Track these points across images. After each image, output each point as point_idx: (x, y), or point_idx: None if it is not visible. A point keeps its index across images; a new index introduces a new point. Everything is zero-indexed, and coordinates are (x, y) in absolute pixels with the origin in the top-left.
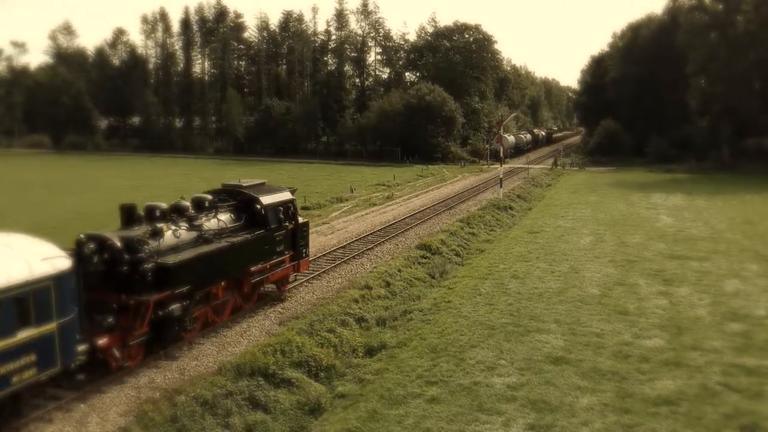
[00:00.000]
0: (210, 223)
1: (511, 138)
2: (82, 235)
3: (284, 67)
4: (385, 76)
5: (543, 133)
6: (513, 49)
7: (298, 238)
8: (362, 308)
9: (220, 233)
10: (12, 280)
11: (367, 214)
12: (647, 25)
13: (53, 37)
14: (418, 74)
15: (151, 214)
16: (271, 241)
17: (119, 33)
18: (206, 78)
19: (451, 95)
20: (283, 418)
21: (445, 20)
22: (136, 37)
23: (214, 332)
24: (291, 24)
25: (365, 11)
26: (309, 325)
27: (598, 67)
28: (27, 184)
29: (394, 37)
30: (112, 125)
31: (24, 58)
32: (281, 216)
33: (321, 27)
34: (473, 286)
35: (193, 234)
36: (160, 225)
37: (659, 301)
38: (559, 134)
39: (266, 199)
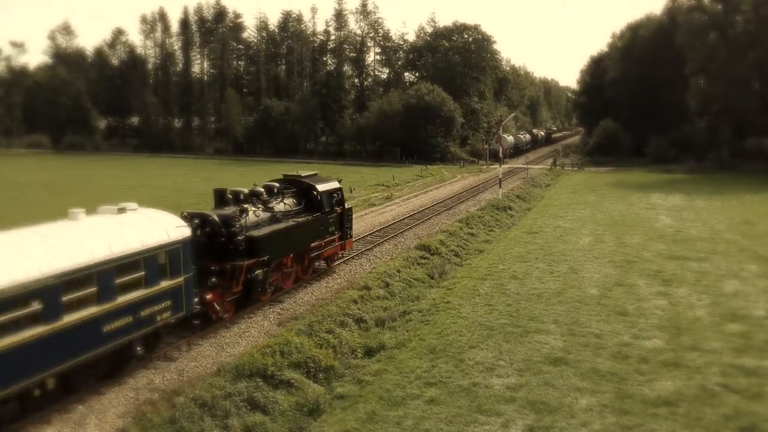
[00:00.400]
0: (279, 206)
1: (510, 138)
2: (186, 212)
3: (283, 67)
4: (384, 76)
5: (542, 134)
6: (512, 49)
7: (344, 221)
8: (361, 309)
9: (286, 214)
10: (156, 242)
11: (366, 214)
12: (646, 26)
13: (52, 37)
14: (417, 74)
15: (236, 197)
16: (325, 223)
17: (118, 33)
18: (205, 78)
19: (450, 95)
20: (282, 419)
21: (445, 20)
22: (135, 37)
23: (212, 333)
24: (290, 24)
25: (364, 11)
26: (308, 325)
27: (597, 68)
28: (26, 185)
29: (394, 38)
30: (111, 125)
31: (23, 58)
32: (332, 201)
33: (320, 27)
34: (472, 286)
35: (268, 214)
36: (245, 206)
37: (658, 302)
38: (558, 134)
39: (321, 187)
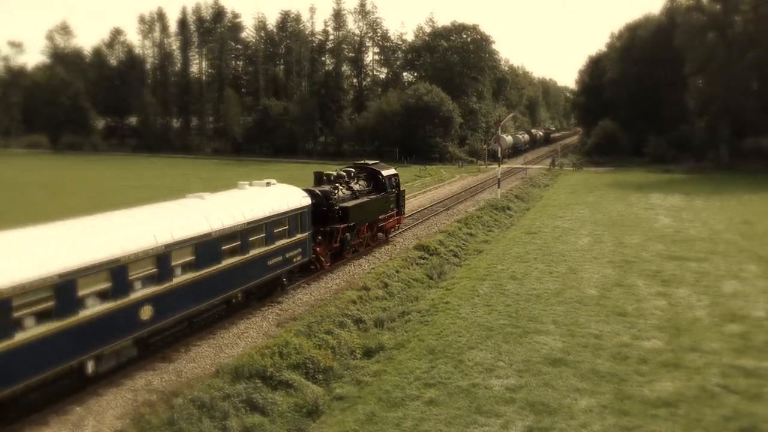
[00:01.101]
0: (356, 186)
1: (509, 138)
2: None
3: (282, 67)
4: (382, 76)
5: (541, 134)
6: (511, 49)
7: (400, 200)
8: (360, 309)
9: (361, 193)
10: (294, 206)
11: None
12: (645, 26)
13: (50, 37)
14: (415, 74)
15: (329, 179)
16: (387, 200)
17: (116, 33)
18: (204, 78)
19: (448, 95)
20: (281, 420)
21: (443, 20)
22: (133, 37)
23: (211, 334)
24: (289, 24)
25: (363, 11)
26: (307, 326)
27: (596, 68)
28: (25, 185)
29: (392, 38)
30: (109, 125)
31: (21, 58)
32: (392, 184)
33: (319, 27)
34: (471, 287)
35: (349, 192)
36: (336, 185)
37: (658, 302)
38: (557, 134)
39: (384, 173)
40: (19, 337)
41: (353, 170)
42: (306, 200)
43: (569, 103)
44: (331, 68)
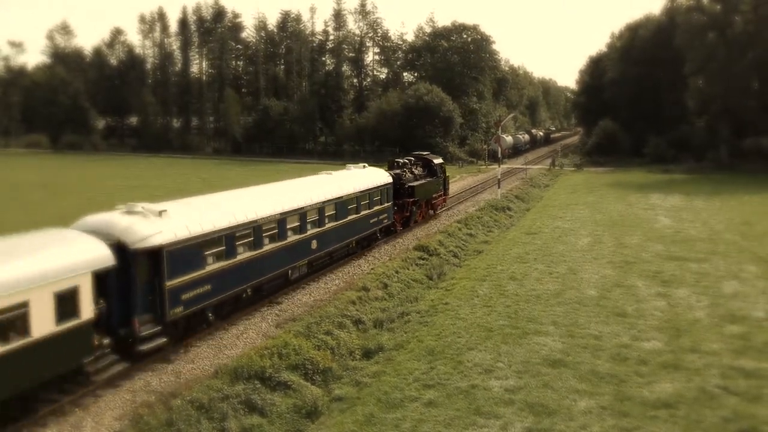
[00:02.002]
0: (416, 171)
1: (509, 138)
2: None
3: (282, 67)
4: (383, 76)
5: (541, 134)
6: (511, 49)
7: (446, 184)
8: (359, 310)
9: (420, 176)
10: (383, 182)
11: None
12: (645, 26)
13: (51, 37)
14: (416, 74)
15: (398, 165)
16: (437, 183)
17: (117, 33)
18: (204, 78)
19: (449, 95)
20: (280, 421)
21: (443, 20)
22: (133, 36)
23: (210, 335)
24: (289, 24)
25: (363, 11)
26: (306, 327)
27: (596, 68)
28: (24, 185)
29: (392, 38)
30: (109, 125)
31: (21, 58)
32: (441, 170)
33: (319, 27)
34: (471, 287)
35: (412, 175)
36: (403, 169)
37: (657, 303)
38: (557, 134)
39: (435, 161)
40: (266, 248)
41: (413, 159)
42: (389, 179)
43: (569, 103)
44: (331, 68)
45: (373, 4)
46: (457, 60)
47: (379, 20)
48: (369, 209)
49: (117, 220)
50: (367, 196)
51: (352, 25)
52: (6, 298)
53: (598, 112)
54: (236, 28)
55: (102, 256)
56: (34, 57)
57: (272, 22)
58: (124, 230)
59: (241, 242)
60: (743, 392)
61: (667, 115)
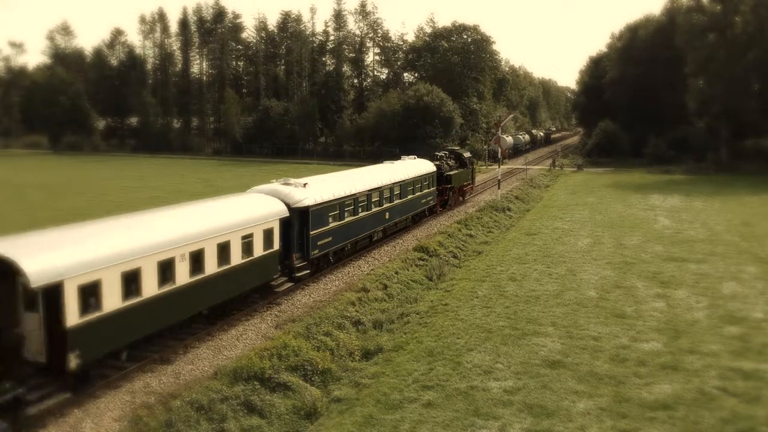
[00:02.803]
0: (450, 163)
1: (509, 139)
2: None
3: (282, 67)
4: (383, 76)
5: (541, 134)
6: (511, 49)
7: (473, 174)
8: (359, 311)
9: (453, 167)
10: (430, 171)
11: None
12: (645, 26)
13: (51, 38)
14: (416, 75)
15: (438, 157)
16: (467, 173)
17: (117, 33)
18: (204, 78)
19: (449, 96)
20: (279, 422)
21: (444, 21)
22: (134, 37)
23: (209, 336)
24: (289, 24)
25: (363, 12)
26: (305, 328)
27: (596, 68)
28: (24, 185)
29: (393, 38)
30: (109, 125)
31: (22, 59)
32: (470, 162)
33: (319, 27)
34: (470, 288)
35: (447, 166)
36: (442, 161)
37: (657, 304)
38: (557, 135)
39: (465, 154)
40: (360, 215)
41: (447, 152)
42: (434, 168)
43: (570, 103)
44: (331, 69)
45: (373, 4)
46: (457, 60)
47: (379, 20)
48: (420, 191)
49: (280, 188)
50: (420, 180)
51: (353, 25)
52: (246, 230)
53: (599, 113)
54: (236, 28)
55: (283, 209)
56: (34, 57)
57: (272, 22)
58: (287, 195)
59: (347, 209)
60: (742, 393)
61: (667, 115)
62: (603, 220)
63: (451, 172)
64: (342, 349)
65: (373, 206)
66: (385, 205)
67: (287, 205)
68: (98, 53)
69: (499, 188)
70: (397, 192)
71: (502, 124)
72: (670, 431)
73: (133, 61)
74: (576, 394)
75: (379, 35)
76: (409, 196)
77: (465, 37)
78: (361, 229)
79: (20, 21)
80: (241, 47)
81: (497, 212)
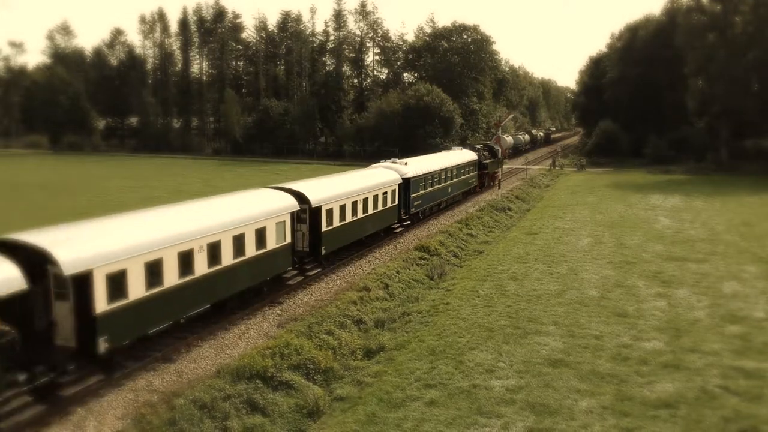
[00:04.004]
0: (485, 154)
1: (509, 139)
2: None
3: (282, 67)
4: (383, 76)
5: (541, 134)
6: (511, 49)
7: (501, 164)
8: (361, 310)
9: (487, 156)
10: (473, 159)
11: None
12: (645, 26)
13: (51, 37)
14: (416, 75)
15: (476, 149)
16: (497, 162)
17: (117, 33)
18: (204, 78)
19: (449, 96)
20: (282, 421)
21: (444, 21)
22: (134, 37)
23: (211, 335)
24: (289, 24)
25: (363, 12)
26: (307, 327)
27: (596, 68)
28: (24, 185)
29: (393, 38)
30: (109, 125)
31: (22, 58)
32: (498, 154)
33: (319, 27)
34: (472, 287)
35: (484, 156)
36: (479, 152)
37: (658, 303)
38: (557, 135)
39: (496, 147)
40: (435, 187)
41: (482, 145)
42: (476, 157)
43: (570, 103)
44: (331, 68)
45: (373, 4)
46: (457, 60)
47: (379, 20)
48: (468, 174)
49: (395, 166)
50: (468, 165)
51: (353, 25)
52: (379, 190)
53: (598, 113)
54: (236, 28)
55: (398, 178)
56: (34, 57)
57: (272, 22)
58: (398, 169)
59: (429, 182)
60: (744, 392)
61: (667, 115)
62: (604, 219)
63: (487, 161)
64: (344, 347)
65: (442, 182)
66: (448, 182)
67: (400, 175)
68: (98, 53)
69: (499, 188)
70: (455, 173)
71: (502, 124)
72: (673, 430)
73: (133, 61)
74: (578, 393)
75: (379, 35)
76: (462, 177)
77: (465, 37)
78: (435, 197)
79: (20, 21)
80: (241, 47)
81: (498, 212)
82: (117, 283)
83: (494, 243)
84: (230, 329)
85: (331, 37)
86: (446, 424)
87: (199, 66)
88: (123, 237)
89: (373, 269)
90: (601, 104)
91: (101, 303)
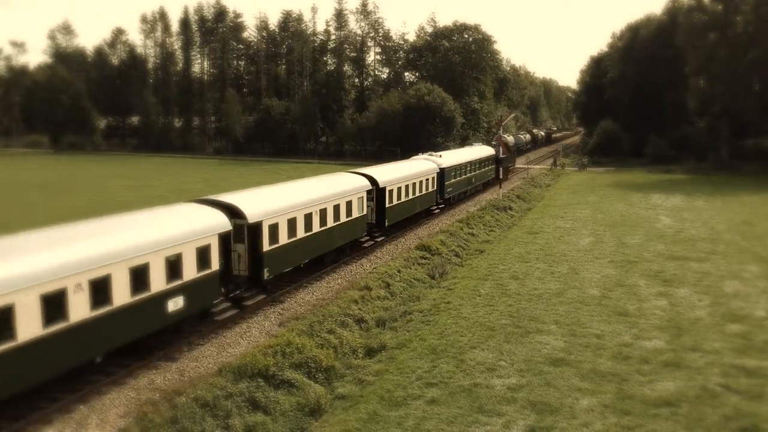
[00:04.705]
0: (501, 149)
1: (510, 138)
2: (494, 142)
3: (283, 67)
4: (384, 76)
5: (542, 134)
6: (512, 48)
7: (515, 158)
8: (362, 309)
9: (503, 152)
10: (489, 154)
11: None
12: (646, 26)
13: (52, 37)
14: (417, 74)
15: (493, 145)
16: (512, 157)
17: (118, 32)
18: (205, 78)
19: (450, 95)
20: (283, 419)
21: (445, 20)
22: (135, 36)
23: (213, 333)
24: (290, 24)
25: (365, 11)
26: (309, 326)
27: (597, 68)
28: (25, 185)
29: (394, 37)
30: (111, 125)
31: (23, 58)
32: (516, 149)
33: (320, 27)
34: (473, 287)
35: (497, 152)
36: (497, 148)
37: (659, 302)
38: (558, 134)
39: (509, 141)
40: (463, 177)
41: (497, 143)
42: (493, 152)
43: (571, 103)
44: (332, 68)
45: (374, 3)
46: (458, 60)
47: (380, 20)
48: (487, 167)
49: (433, 158)
50: (487, 159)
51: (354, 24)
52: (421, 176)
53: (599, 112)
54: (238, 27)
55: (436, 168)
56: (35, 57)
57: (274, 21)
58: (436, 160)
59: (459, 171)
60: (744, 391)
61: (668, 115)
62: (605, 219)
63: (503, 156)
64: (345, 346)
65: (468, 173)
66: (471, 174)
67: (438, 165)
68: (99, 52)
69: (500, 187)
70: (478, 166)
71: (503, 124)
72: (674, 428)
73: (134, 60)
74: (579, 392)
75: (380, 35)
76: (483, 169)
77: (466, 36)
78: (462, 186)
79: (22, 20)
80: (242, 46)
81: (499, 211)
82: (273, 232)
83: (495, 242)
84: (232, 328)
85: (333, 37)
86: (447, 423)
87: (200, 65)
88: (276, 202)
89: (374, 268)
90: (602, 104)
91: (266, 245)
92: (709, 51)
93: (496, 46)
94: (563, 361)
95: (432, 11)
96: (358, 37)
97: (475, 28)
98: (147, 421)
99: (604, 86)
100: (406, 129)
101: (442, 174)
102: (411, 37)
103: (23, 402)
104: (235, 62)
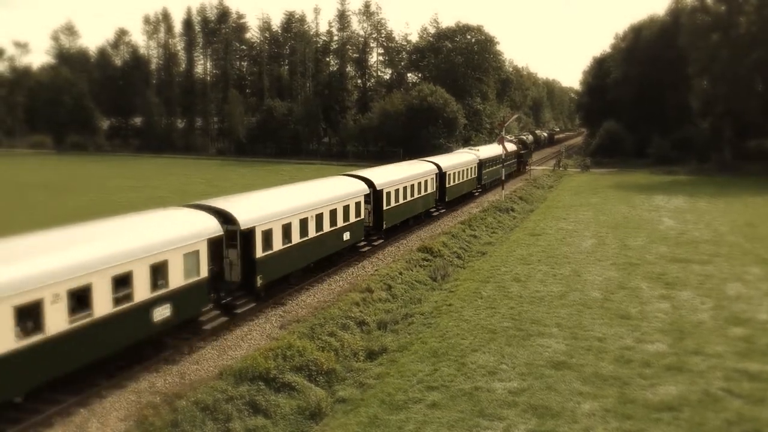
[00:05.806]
0: (520, 146)
1: (530, 137)
2: (515, 138)
3: (286, 67)
4: (387, 76)
5: (545, 134)
6: (515, 49)
7: (531, 154)
8: (363, 312)
9: (522, 148)
10: (515, 149)
11: None
12: (649, 27)
13: (55, 38)
14: (420, 75)
15: (514, 142)
16: (529, 153)
17: (121, 33)
18: (208, 78)
19: (453, 96)
20: (284, 423)
21: (447, 21)
22: (138, 37)
23: (214, 336)
24: (293, 25)
25: (367, 12)
26: (310, 328)
27: (600, 68)
28: (27, 185)
29: (396, 38)
30: (113, 125)
31: (26, 59)
32: (530, 147)
33: (323, 28)
34: (474, 289)
35: (518, 148)
36: (518, 145)
37: (661, 305)
38: (561, 135)
39: (527, 141)
40: (491, 168)
41: (518, 139)
42: (516, 148)
43: (573, 103)
44: (335, 69)
45: (377, 4)
46: (461, 61)
47: (383, 21)
48: (511, 161)
49: (474, 150)
50: (511, 154)
51: (356, 25)
52: (468, 164)
53: (602, 113)
54: (240, 28)
55: (476, 158)
56: (38, 57)
57: (276, 22)
58: (475, 153)
59: (491, 163)
60: (747, 395)
61: (671, 116)
62: (607, 220)
63: (523, 152)
64: (346, 349)
65: (497, 165)
66: (489, 170)
67: (477, 157)
68: (102, 53)
69: (503, 189)
70: (504, 159)
71: (505, 125)
72: None
73: (137, 61)
74: (581, 395)
75: (383, 35)
76: (508, 162)
77: (469, 37)
78: (494, 175)
79: (22, 20)
80: (245, 47)
81: (501, 213)
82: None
83: (497, 244)
84: (233, 330)
85: (335, 38)
86: (448, 427)
87: (203, 66)
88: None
89: (375, 270)
90: (604, 104)
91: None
92: (712, 52)
93: (498, 47)
94: (565, 365)
95: (435, 12)
96: (360, 38)
97: (478, 29)
98: (147, 424)
99: (606, 87)
100: (408, 130)
101: (481, 164)
102: (414, 38)
103: (23, 405)
104: (237, 63)
